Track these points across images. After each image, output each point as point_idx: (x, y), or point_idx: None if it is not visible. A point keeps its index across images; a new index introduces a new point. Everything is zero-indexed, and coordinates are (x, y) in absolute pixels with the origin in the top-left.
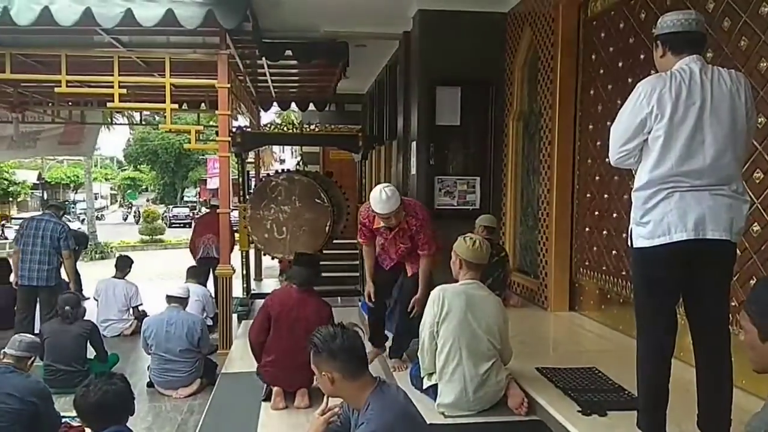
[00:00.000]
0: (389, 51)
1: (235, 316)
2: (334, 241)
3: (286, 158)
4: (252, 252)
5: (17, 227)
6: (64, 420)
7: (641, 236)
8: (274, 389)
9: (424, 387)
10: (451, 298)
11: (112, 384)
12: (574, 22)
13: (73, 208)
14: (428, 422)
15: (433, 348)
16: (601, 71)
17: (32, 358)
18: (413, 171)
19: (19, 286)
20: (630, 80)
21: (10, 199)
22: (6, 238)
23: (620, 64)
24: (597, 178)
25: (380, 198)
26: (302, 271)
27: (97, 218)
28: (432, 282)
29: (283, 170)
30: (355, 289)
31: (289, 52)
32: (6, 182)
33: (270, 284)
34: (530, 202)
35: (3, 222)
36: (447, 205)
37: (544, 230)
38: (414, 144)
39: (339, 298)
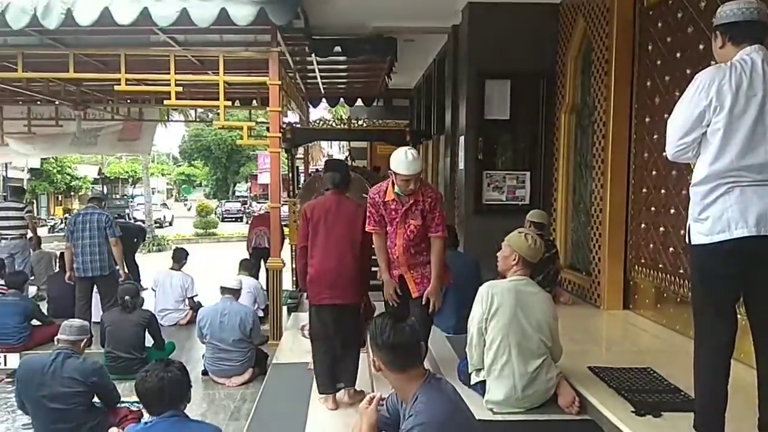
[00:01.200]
0: (437, 45)
1: (284, 309)
2: None
3: (334, 153)
4: None
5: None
6: (123, 404)
7: (700, 232)
8: (322, 397)
9: (472, 383)
10: (500, 294)
11: (170, 371)
12: (629, 12)
13: (131, 201)
14: (477, 419)
15: (482, 344)
16: (659, 62)
17: (84, 341)
18: (461, 166)
19: (77, 278)
20: (688, 71)
21: (72, 193)
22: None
23: (678, 55)
24: (654, 172)
25: (405, 158)
26: (333, 176)
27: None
28: (445, 269)
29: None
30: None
31: (338, 48)
32: (69, 177)
33: None
34: (582, 197)
35: (66, 215)
36: (495, 201)
37: (597, 226)
38: (462, 138)
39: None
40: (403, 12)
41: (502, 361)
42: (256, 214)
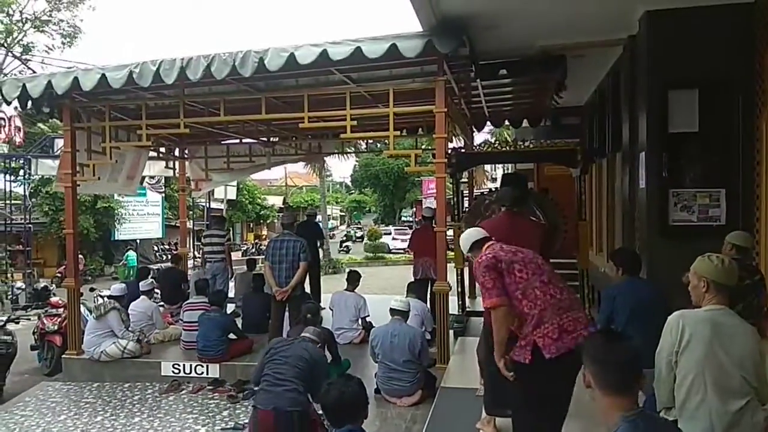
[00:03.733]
0: (610, 59)
1: (451, 333)
2: (550, 261)
3: (498, 176)
4: (467, 270)
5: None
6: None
7: None
8: (484, 418)
9: None
10: (693, 325)
11: (350, 385)
12: None
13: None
14: None
15: (671, 380)
16: None
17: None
18: (642, 184)
19: (273, 298)
20: None
21: (261, 221)
22: (261, 254)
23: None
24: None
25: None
26: (510, 192)
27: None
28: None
29: (496, 188)
30: None
31: (503, 71)
32: (259, 207)
33: None
34: None
35: (256, 241)
36: (684, 221)
37: None
38: (643, 155)
39: None
40: (573, 28)
41: (696, 399)
42: (413, 232)
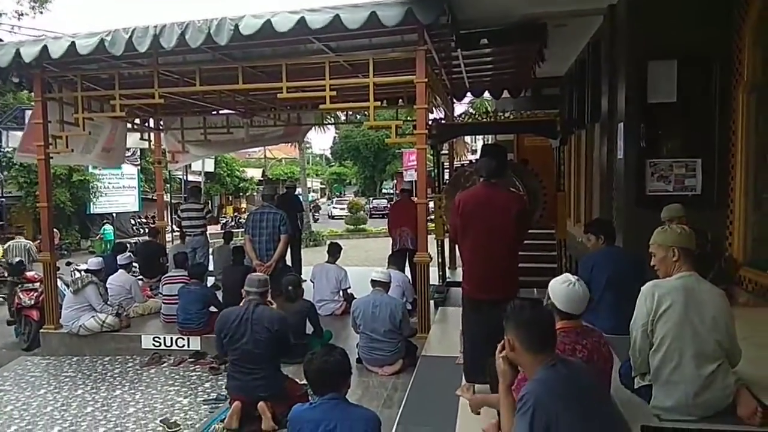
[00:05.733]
0: (591, 28)
1: (432, 303)
2: (529, 231)
3: (479, 148)
4: (447, 241)
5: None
6: None
7: None
8: (464, 384)
9: (636, 387)
10: (667, 293)
11: (333, 355)
12: None
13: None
14: (641, 424)
15: (647, 347)
16: None
17: (269, 291)
18: (620, 155)
19: (253, 269)
20: None
21: (240, 194)
22: (240, 227)
23: None
24: None
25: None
26: (489, 163)
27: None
28: None
29: (477, 160)
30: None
31: (484, 41)
32: (237, 179)
33: None
34: (766, 186)
35: (235, 214)
36: (661, 191)
37: None
38: (621, 125)
39: (535, 289)
40: None
41: (671, 365)
42: (391, 205)
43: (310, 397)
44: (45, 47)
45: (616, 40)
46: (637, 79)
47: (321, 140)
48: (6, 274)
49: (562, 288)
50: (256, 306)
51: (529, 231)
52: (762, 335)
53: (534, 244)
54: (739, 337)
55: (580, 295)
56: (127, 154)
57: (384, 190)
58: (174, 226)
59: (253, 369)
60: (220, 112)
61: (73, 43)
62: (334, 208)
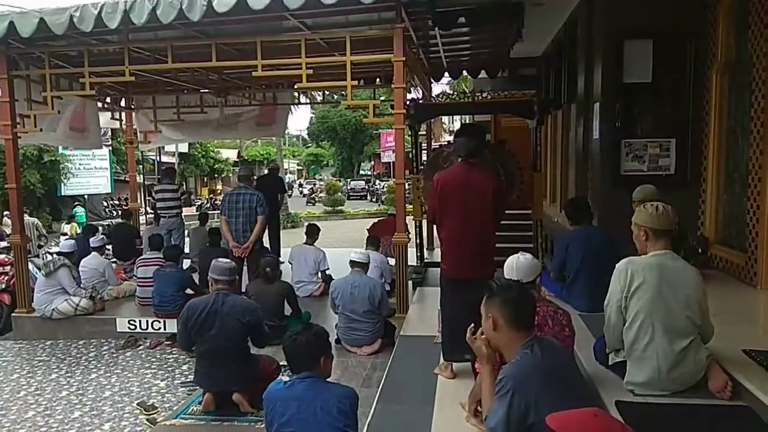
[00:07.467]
0: (568, 7)
1: (410, 283)
2: (506, 211)
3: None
4: (425, 222)
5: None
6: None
7: None
8: (442, 363)
9: (610, 363)
10: (641, 270)
11: (314, 333)
12: None
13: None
14: (615, 399)
15: (621, 324)
16: None
17: (237, 280)
18: (596, 135)
19: (229, 251)
20: None
21: (216, 175)
22: (216, 209)
23: None
24: None
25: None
26: (467, 142)
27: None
28: None
29: (455, 140)
30: None
31: (462, 20)
32: (212, 161)
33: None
34: (738, 165)
35: (211, 196)
36: (635, 171)
37: (754, 198)
38: (597, 105)
39: None
40: None
41: (644, 340)
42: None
43: (282, 373)
44: (12, 24)
45: (593, 19)
46: (613, 58)
47: (297, 121)
48: None
49: (510, 262)
50: (225, 296)
51: (506, 211)
52: (731, 311)
53: (510, 224)
54: (711, 314)
55: (523, 263)
56: None
57: (362, 172)
58: (148, 208)
59: (224, 361)
60: (196, 91)
61: (42, 20)
62: (302, 188)
